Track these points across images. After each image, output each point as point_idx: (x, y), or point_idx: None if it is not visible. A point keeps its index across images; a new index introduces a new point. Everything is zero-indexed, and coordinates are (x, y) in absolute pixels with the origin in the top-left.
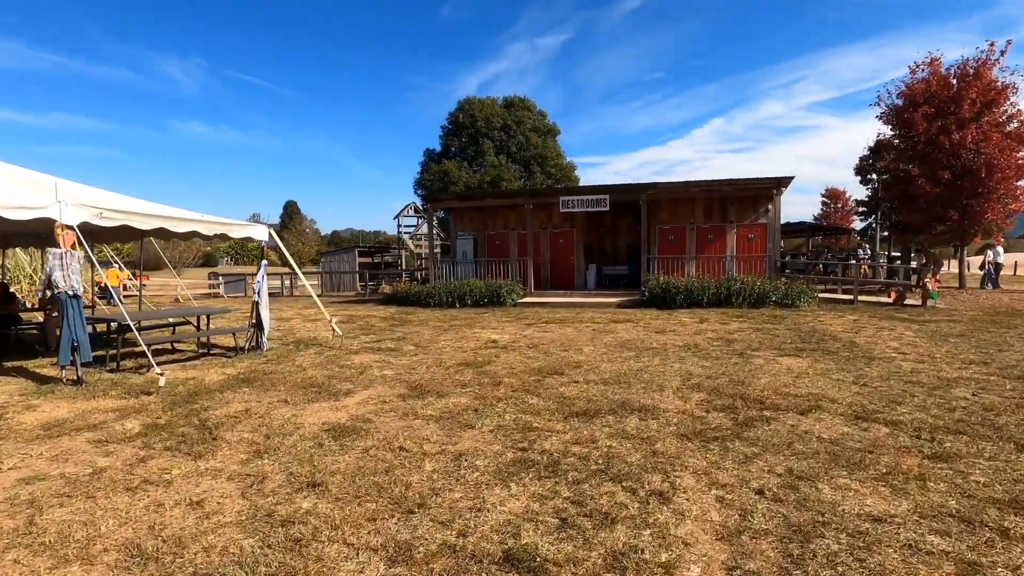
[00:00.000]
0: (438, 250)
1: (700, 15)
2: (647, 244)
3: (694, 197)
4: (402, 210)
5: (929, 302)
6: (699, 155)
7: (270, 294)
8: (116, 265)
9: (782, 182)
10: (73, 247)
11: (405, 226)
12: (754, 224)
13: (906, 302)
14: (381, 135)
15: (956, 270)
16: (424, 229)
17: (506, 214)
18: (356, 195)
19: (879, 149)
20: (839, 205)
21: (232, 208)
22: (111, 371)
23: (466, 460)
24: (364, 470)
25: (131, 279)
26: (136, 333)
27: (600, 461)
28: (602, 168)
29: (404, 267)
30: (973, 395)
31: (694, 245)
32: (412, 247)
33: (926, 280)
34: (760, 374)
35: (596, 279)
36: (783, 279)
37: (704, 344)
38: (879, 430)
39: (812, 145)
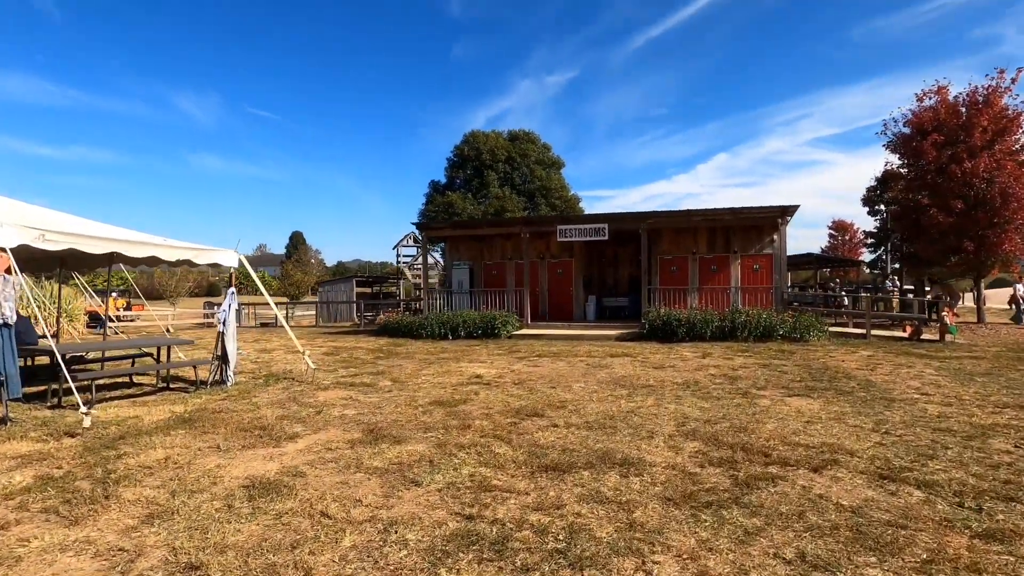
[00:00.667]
0: (433, 280)
1: (701, 56)
2: (647, 275)
3: (696, 227)
4: (401, 240)
5: (948, 337)
6: (705, 189)
7: (263, 324)
8: (112, 294)
9: (787, 210)
10: (8, 272)
11: (404, 256)
12: (759, 255)
13: (923, 337)
14: (391, 168)
15: (973, 303)
16: (419, 260)
17: (503, 243)
18: (365, 227)
19: (887, 180)
20: (847, 237)
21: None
22: (52, 407)
23: (396, 532)
24: (266, 545)
25: (127, 308)
26: (63, 368)
27: (561, 536)
28: (609, 201)
29: (403, 297)
30: (1016, 447)
31: (697, 276)
32: (411, 277)
33: (944, 313)
34: (766, 418)
35: (596, 311)
36: (791, 312)
37: (705, 381)
38: (911, 494)
39: (817, 180)
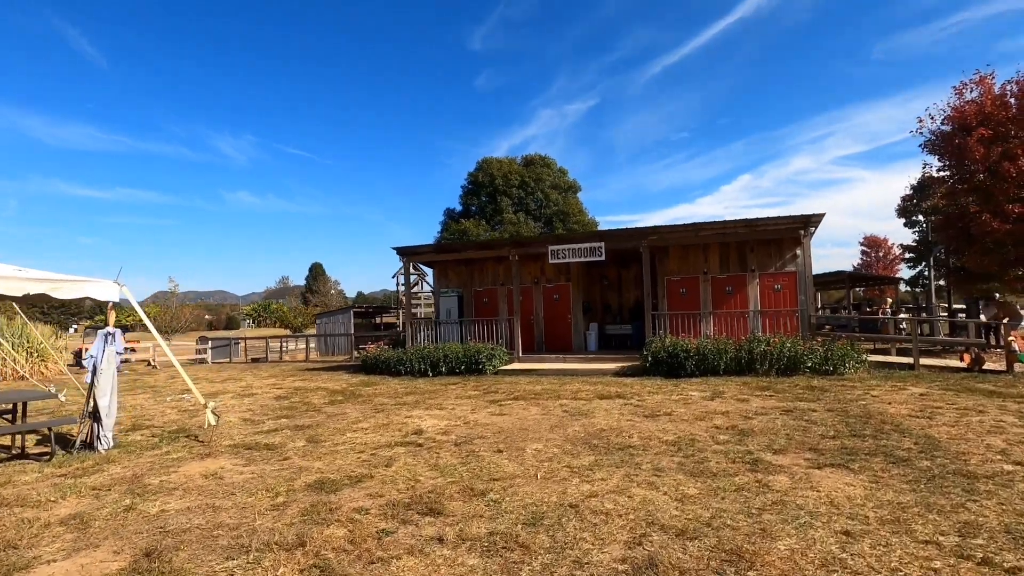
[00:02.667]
0: (417, 309)
1: (722, 78)
2: (651, 298)
3: (707, 243)
4: (399, 269)
5: (1017, 366)
6: (729, 210)
7: (254, 360)
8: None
9: (810, 220)
10: None
11: (404, 284)
12: (780, 273)
13: (984, 367)
14: (415, 198)
15: None
16: (423, 287)
17: (494, 268)
18: (389, 257)
19: (924, 187)
20: (881, 253)
21: (266, 271)
22: None
23: None
24: None
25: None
26: None
27: None
28: (632, 225)
29: (400, 329)
30: None
31: (709, 299)
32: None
33: (1011, 338)
34: (779, 522)
35: (597, 340)
36: (820, 339)
37: (704, 439)
38: None
39: (846, 198)
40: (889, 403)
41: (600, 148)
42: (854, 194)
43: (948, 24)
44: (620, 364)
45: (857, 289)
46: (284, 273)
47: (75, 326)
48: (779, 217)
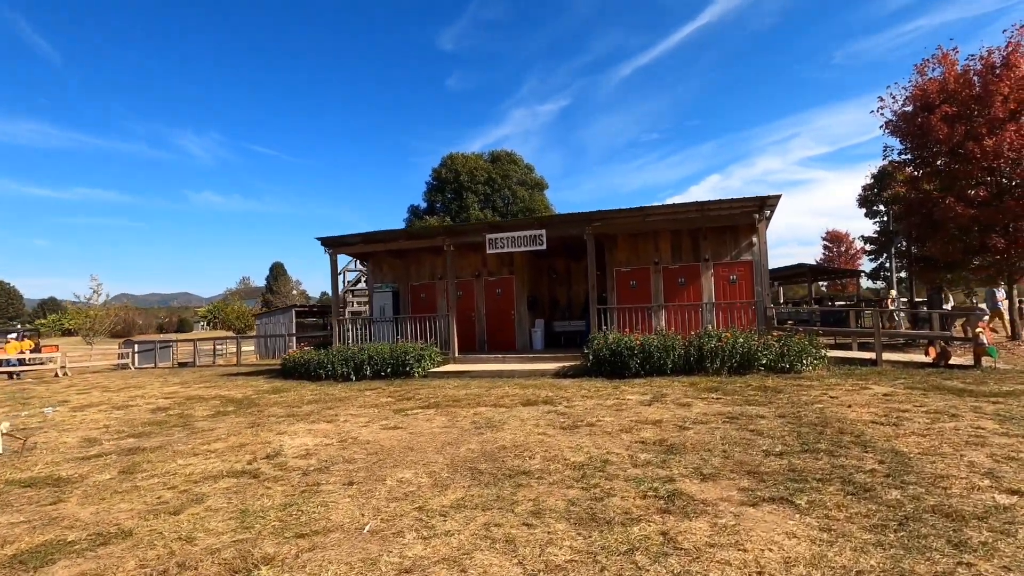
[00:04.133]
0: (349, 306)
1: (690, 80)
2: (596, 290)
3: (657, 230)
4: (348, 263)
5: (986, 360)
6: None
7: (182, 364)
8: (10, 336)
9: (766, 202)
10: None
11: (350, 281)
12: (735, 262)
13: (952, 362)
14: (386, 197)
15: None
16: (363, 283)
17: (431, 260)
18: None
19: (885, 175)
20: (842, 248)
21: (232, 272)
22: None
23: None
24: None
25: (35, 350)
26: None
27: None
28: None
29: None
30: None
31: (662, 291)
32: (356, 304)
33: (979, 330)
34: None
35: (544, 338)
36: (775, 333)
37: (621, 460)
38: None
39: (810, 198)
40: (849, 406)
41: (572, 149)
42: (818, 194)
43: (905, 31)
44: (562, 364)
45: (822, 284)
46: (248, 274)
47: None
48: (732, 199)
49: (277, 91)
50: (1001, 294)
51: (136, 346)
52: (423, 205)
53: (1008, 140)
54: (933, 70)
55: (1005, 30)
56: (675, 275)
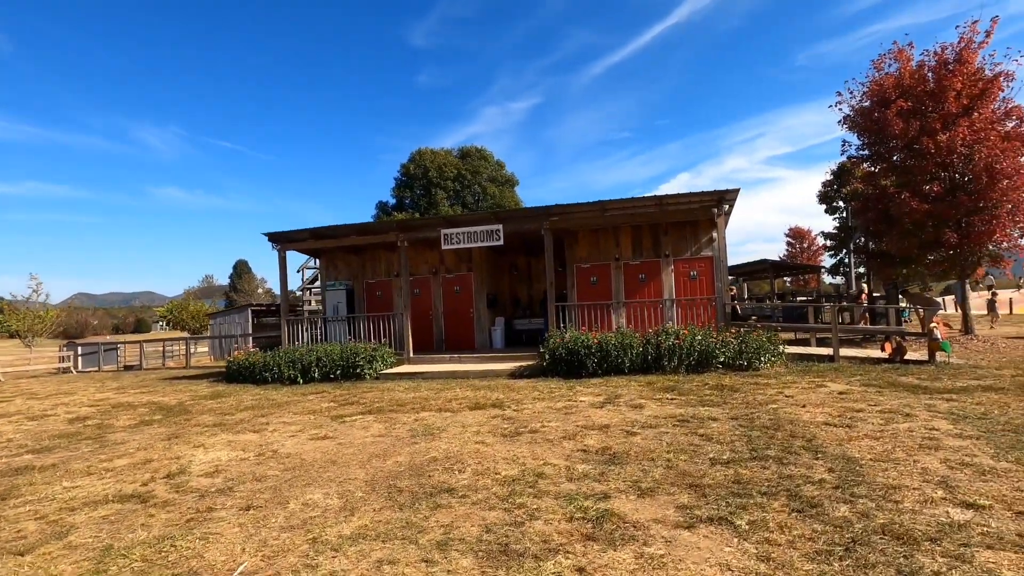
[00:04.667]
0: (307, 305)
1: (661, 80)
2: (554, 287)
3: (618, 225)
4: (307, 260)
5: (940, 356)
6: None
7: (128, 367)
8: None
9: (724, 197)
10: None
11: (308, 279)
12: (696, 258)
13: (907, 357)
14: (354, 194)
15: (956, 309)
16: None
17: (388, 257)
18: None
19: (844, 171)
20: (805, 244)
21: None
22: None
23: None
24: None
25: None
26: None
27: None
28: None
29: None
30: None
31: (622, 288)
32: (315, 304)
33: (933, 325)
34: None
35: (504, 336)
36: (733, 330)
37: (557, 472)
38: None
39: (775, 196)
40: (804, 405)
41: (544, 147)
42: (783, 192)
43: (864, 34)
44: (520, 364)
45: (787, 280)
46: (213, 272)
47: None
48: (690, 193)
49: (240, 85)
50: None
51: (79, 348)
52: (392, 201)
53: (961, 135)
54: (890, 66)
55: (958, 26)
56: (636, 271)
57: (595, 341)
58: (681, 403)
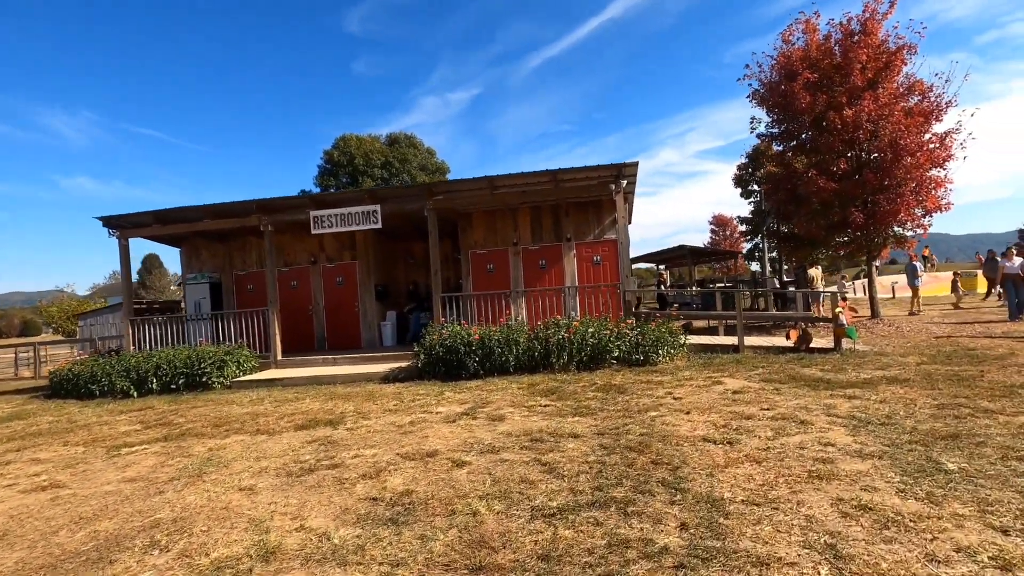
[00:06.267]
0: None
1: (597, 74)
2: (440, 275)
3: (515, 206)
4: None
5: (845, 342)
6: None
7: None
8: None
9: (623, 171)
10: None
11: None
12: (599, 241)
13: (812, 345)
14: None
15: (864, 293)
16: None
17: (260, 245)
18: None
19: (759, 154)
20: (727, 232)
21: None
22: None
23: None
24: None
25: None
26: None
27: None
28: None
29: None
30: None
31: (521, 275)
32: None
33: (838, 310)
34: None
35: (396, 332)
36: (627, 322)
37: (304, 544)
38: None
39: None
40: (688, 413)
41: (485, 138)
42: (713, 184)
43: None
44: (398, 364)
45: (715, 266)
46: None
47: None
48: (587, 167)
49: (162, 70)
50: (920, 268)
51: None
52: (316, 190)
53: (866, 109)
54: (798, 39)
55: None
56: (536, 257)
57: (476, 337)
58: (552, 412)
